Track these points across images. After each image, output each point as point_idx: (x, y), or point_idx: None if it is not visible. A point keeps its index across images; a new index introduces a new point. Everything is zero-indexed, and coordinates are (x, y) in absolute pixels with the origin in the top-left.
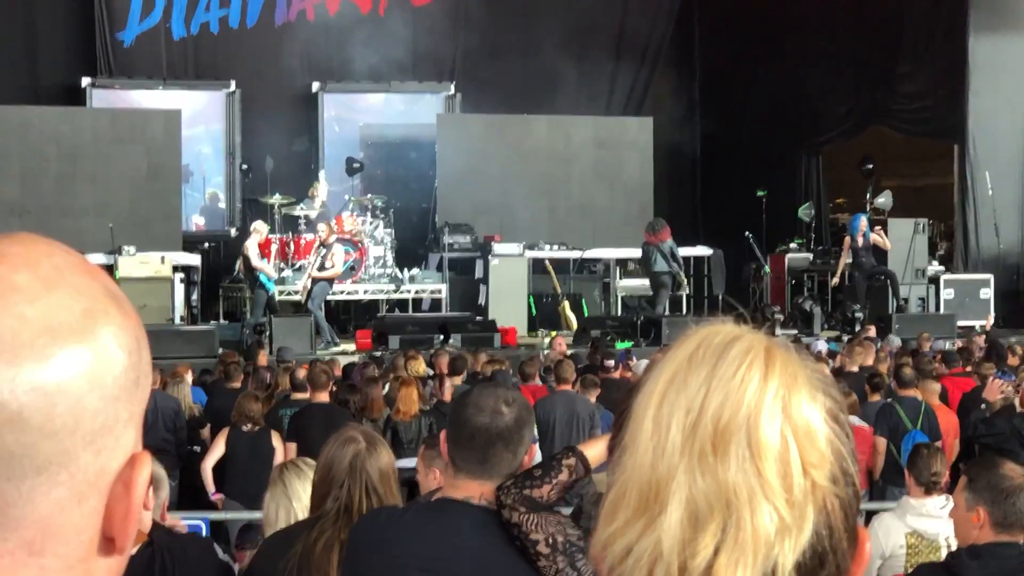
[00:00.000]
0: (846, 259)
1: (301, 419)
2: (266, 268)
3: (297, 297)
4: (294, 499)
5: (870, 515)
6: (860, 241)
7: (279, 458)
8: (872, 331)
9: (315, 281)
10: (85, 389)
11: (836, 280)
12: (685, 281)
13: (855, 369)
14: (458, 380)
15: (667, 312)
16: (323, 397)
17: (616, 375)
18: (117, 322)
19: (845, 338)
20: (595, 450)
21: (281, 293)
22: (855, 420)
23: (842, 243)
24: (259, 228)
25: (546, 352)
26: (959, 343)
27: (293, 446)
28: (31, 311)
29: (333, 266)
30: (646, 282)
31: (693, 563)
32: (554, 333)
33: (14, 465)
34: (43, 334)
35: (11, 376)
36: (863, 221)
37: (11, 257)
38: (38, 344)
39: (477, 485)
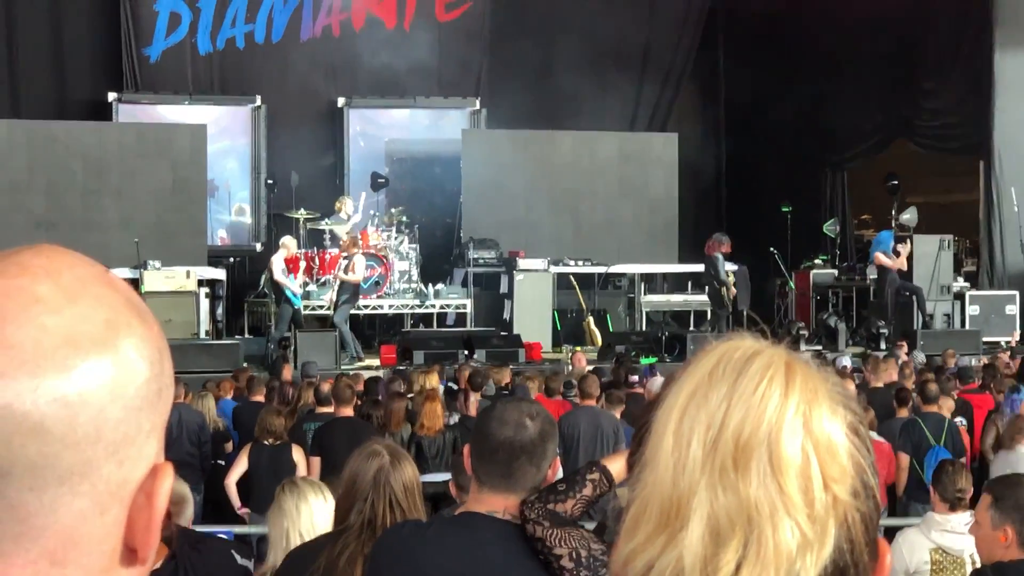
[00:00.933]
0: (873, 274)
1: (325, 433)
2: (289, 284)
3: (322, 312)
4: (286, 518)
5: (893, 531)
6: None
7: (301, 472)
8: (904, 347)
9: (341, 286)
10: (107, 400)
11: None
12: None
13: (880, 385)
14: (478, 395)
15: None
16: (347, 411)
17: (640, 390)
18: (139, 333)
19: (875, 354)
20: (619, 464)
21: (306, 308)
22: (873, 435)
23: (865, 261)
24: (287, 244)
25: (568, 368)
26: (984, 359)
27: (317, 460)
28: (53, 322)
29: (354, 273)
30: (671, 298)
31: None
32: (578, 348)
33: (36, 475)
34: (65, 345)
35: (33, 387)
36: (893, 240)
37: (33, 268)
38: (60, 355)
39: (502, 499)
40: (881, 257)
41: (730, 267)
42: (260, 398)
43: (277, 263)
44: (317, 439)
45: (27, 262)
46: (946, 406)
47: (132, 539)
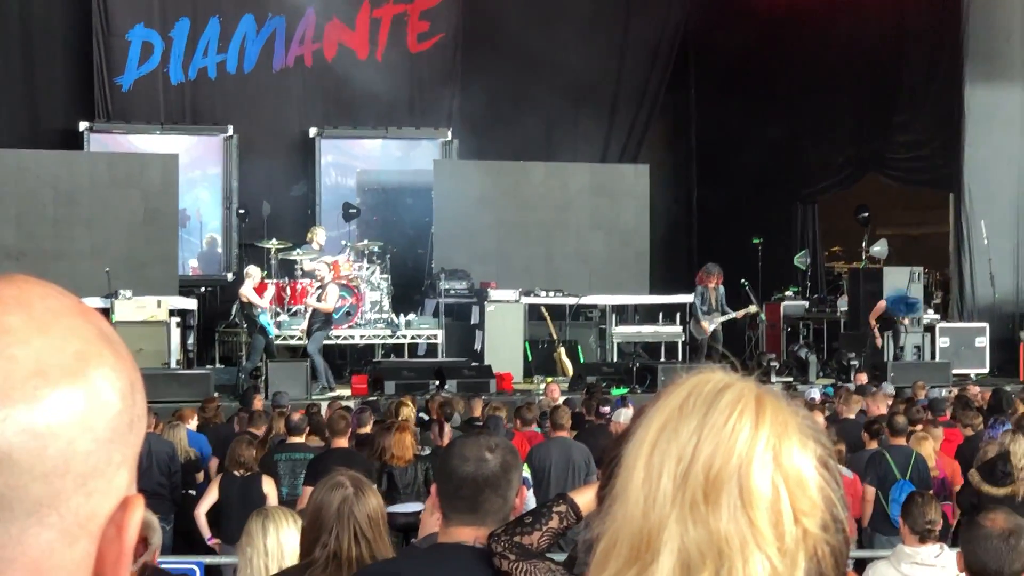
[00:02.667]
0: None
1: (319, 465)
2: (260, 302)
3: (294, 342)
4: (254, 547)
5: (859, 563)
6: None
7: (271, 503)
8: (864, 379)
9: (312, 315)
10: (76, 431)
11: (879, 342)
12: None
13: (852, 416)
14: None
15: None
16: (341, 443)
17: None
18: (110, 364)
19: (847, 385)
20: (586, 497)
21: (277, 338)
22: (842, 469)
23: (836, 294)
24: (251, 273)
25: (540, 398)
26: (955, 391)
27: (310, 490)
28: (22, 353)
29: (325, 301)
30: (642, 329)
31: None
32: (549, 379)
33: (3, 507)
34: (34, 376)
35: (1, 417)
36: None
37: (4, 299)
38: (29, 386)
39: (471, 531)
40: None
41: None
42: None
43: (250, 294)
44: (311, 470)
45: None
46: (935, 436)
47: (102, 571)
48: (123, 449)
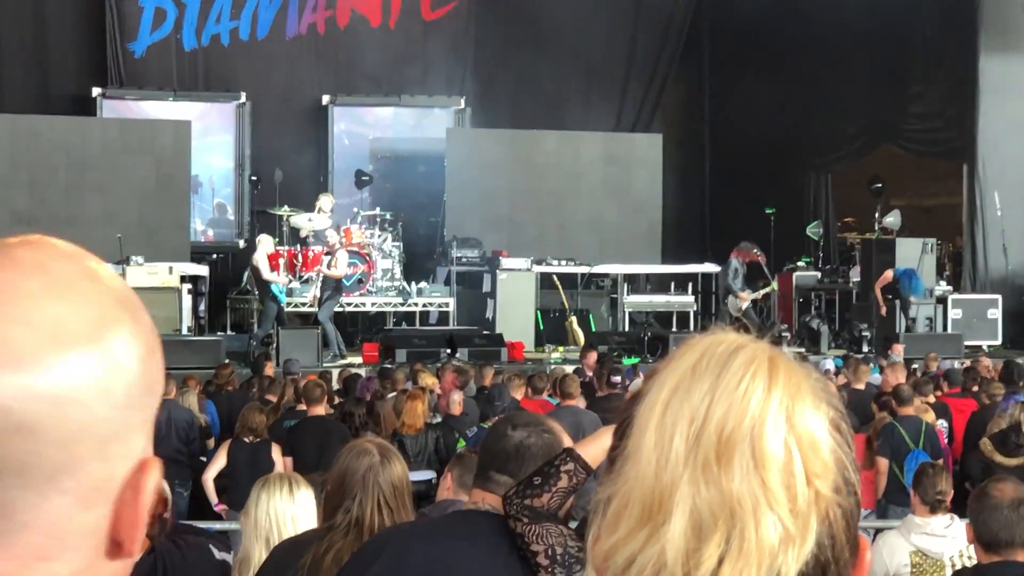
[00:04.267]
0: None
1: (295, 433)
2: (278, 279)
3: (304, 309)
4: (244, 516)
5: (872, 534)
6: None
7: (279, 470)
8: (900, 350)
9: (323, 282)
10: (94, 397)
11: (884, 310)
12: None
13: (861, 387)
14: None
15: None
16: (318, 411)
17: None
18: (128, 328)
19: (856, 356)
20: (593, 450)
21: (288, 305)
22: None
23: (849, 264)
24: (263, 240)
25: (552, 367)
26: (966, 362)
27: (290, 460)
28: (39, 318)
29: (336, 269)
30: (654, 298)
31: (697, 574)
32: (561, 348)
33: (23, 473)
34: (52, 341)
35: (19, 383)
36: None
37: (20, 262)
38: (47, 352)
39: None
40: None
41: (713, 268)
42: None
43: (262, 261)
44: (288, 439)
45: (15, 254)
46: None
47: (119, 533)
48: (141, 413)
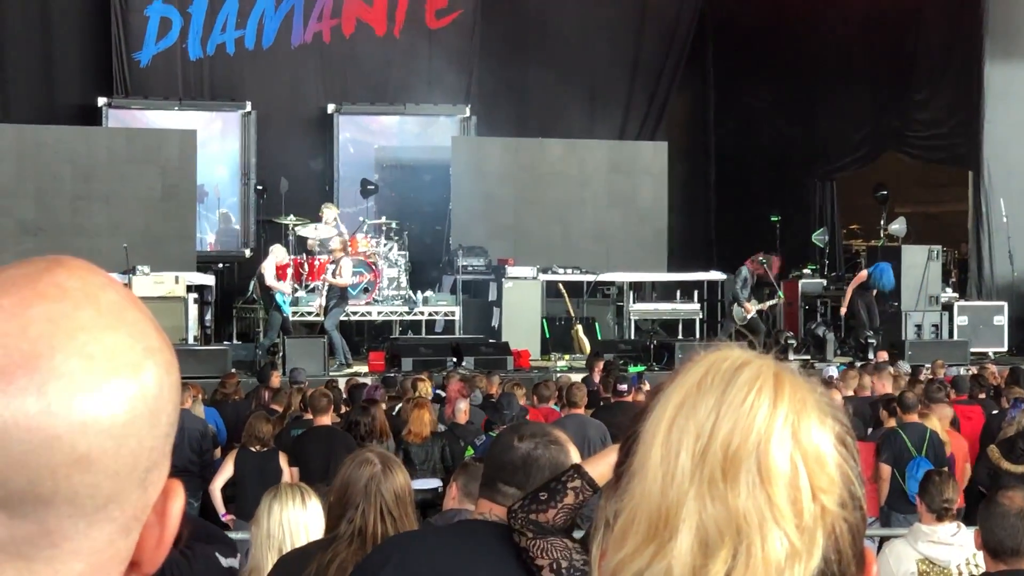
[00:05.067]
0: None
1: (301, 443)
2: (282, 287)
3: (310, 318)
4: (255, 527)
5: (880, 542)
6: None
7: (286, 479)
8: (885, 357)
9: (328, 291)
10: (145, 429)
11: (844, 309)
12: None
13: (849, 393)
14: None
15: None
16: (324, 420)
17: (629, 399)
18: (168, 358)
19: (859, 364)
20: (600, 467)
21: (294, 314)
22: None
23: (854, 271)
24: (276, 251)
25: (558, 376)
26: (973, 369)
27: (296, 470)
28: (98, 350)
29: (341, 277)
30: (660, 306)
31: None
32: (567, 357)
33: (77, 504)
34: (111, 374)
35: (81, 417)
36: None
37: (70, 291)
38: (106, 386)
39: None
40: (865, 276)
41: (719, 276)
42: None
43: (269, 269)
44: (295, 449)
45: (61, 283)
46: (943, 415)
47: (140, 555)
48: (172, 440)
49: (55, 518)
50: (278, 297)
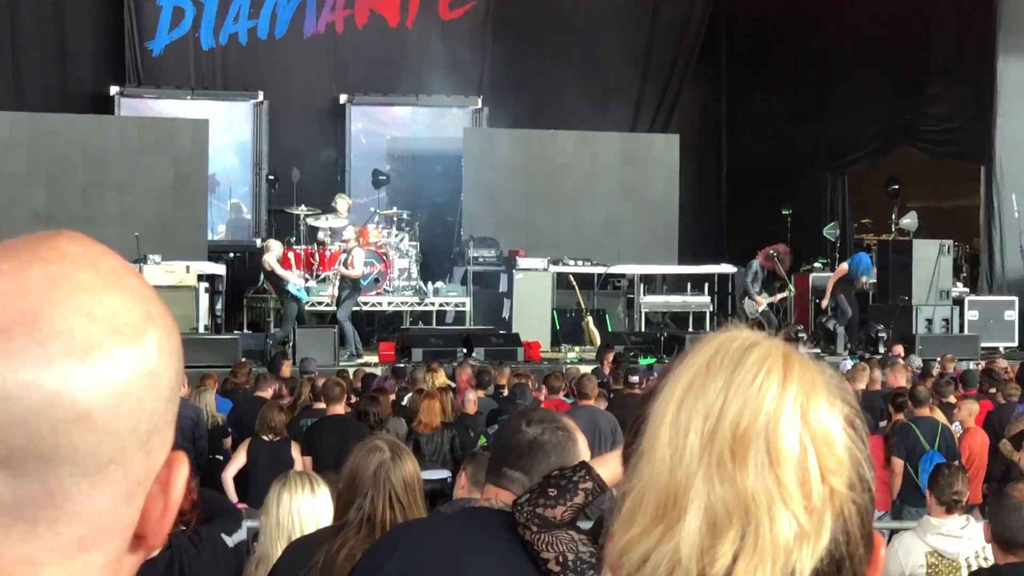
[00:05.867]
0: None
1: (314, 432)
2: (291, 276)
3: (322, 308)
4: (264, 516)
5: (889, 535)
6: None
7: (298, 468)
8: (900, 351)
9: (341, 281)
10: (146, 390)
11: (826, 302)
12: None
13: (861, 386)
14: (482, 393)
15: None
16: (337, 409)
17: (639, 391)
18: (169, 323)
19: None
20: (610, 467)
21: (307, 304)
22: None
23: (884, 274)
24: (270, 246)
25: (568, 367)
26: (983, 364)
27: (308, 459)
28: (98, 310)
29: (353, 268)
30: (670, 299)
31: (712, 571)
32: (577, 348)
33: (78, 462)
34: (111, 334)
35: (81, 374)
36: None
37: (72, 255)
38: (107, 344)
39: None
40: (845, 268)
41: (729, 269)
42: (266, 394)
43: (275, 265)
44: (307, 438)
45: (63, 248)
46: (970, 410)
47: (144, 527)
48: (175, 408)
49: (56, 477)
50: (291, 287)
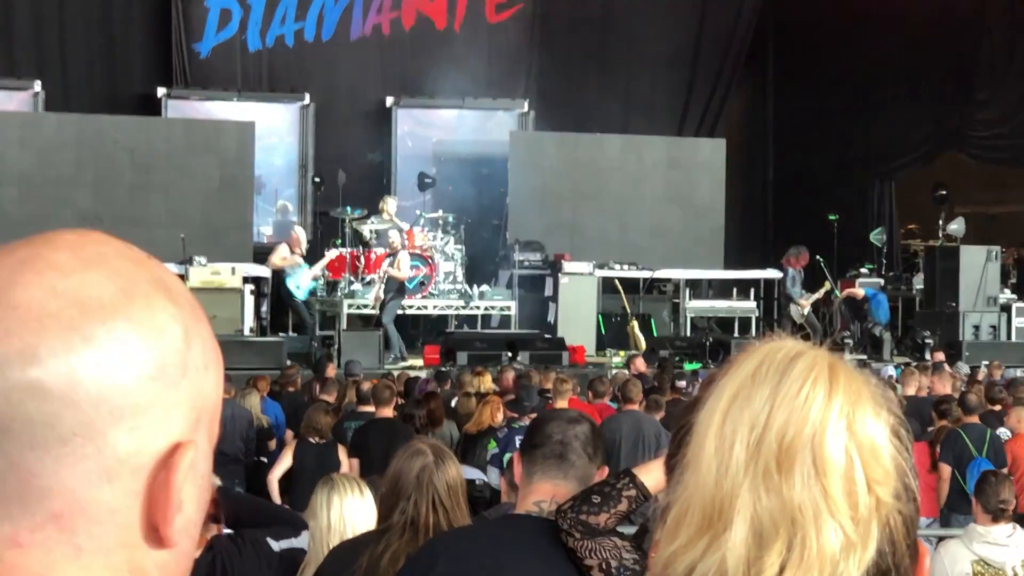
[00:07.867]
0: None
1: (363, 434)
2: (284, 265)
3: (367, 311)
4: (312, 520)
5: (936, 543)
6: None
7: (344, 471)
8: (941, 357)
9: (387, 283)
10: (114, 363)
11: (860, 292)
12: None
13: (911, 392)
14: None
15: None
16: (387, 412)
17: (684, 397)
18: (160, 306)
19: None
20: (654, 475)
21: (350, 307)
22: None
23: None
24: (279, 249)
25: (614, 372)
26: None
27: (356, 462)
28: (63, 285)
29: (399, 270)
30: (716, 303)
31: None
32: (622, 353)
33: (36, 433)
34: (71, 307)
35: (35, 345)
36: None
37: (58, 243)
38: (65, 316)
39: (551, 487)
40: (861, 293)
41: (775, 275)
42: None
43: (274, 260)
44: (355, 440)
45: (56, 237)
46: (1016, 416)
47: (152, 515)
48: (176, 393)
49: (17, 449)
50: (288, 281)
